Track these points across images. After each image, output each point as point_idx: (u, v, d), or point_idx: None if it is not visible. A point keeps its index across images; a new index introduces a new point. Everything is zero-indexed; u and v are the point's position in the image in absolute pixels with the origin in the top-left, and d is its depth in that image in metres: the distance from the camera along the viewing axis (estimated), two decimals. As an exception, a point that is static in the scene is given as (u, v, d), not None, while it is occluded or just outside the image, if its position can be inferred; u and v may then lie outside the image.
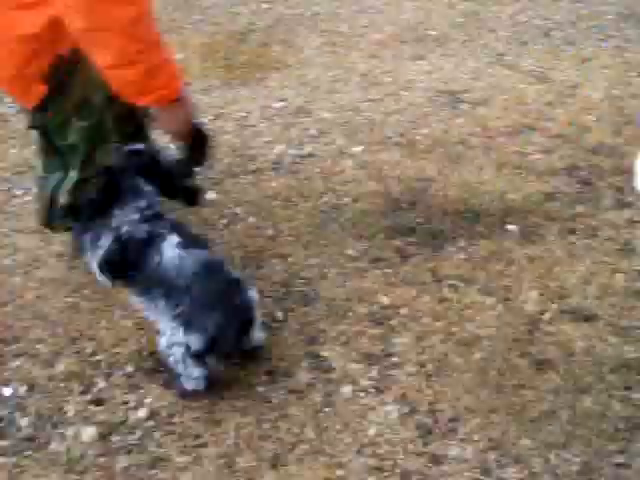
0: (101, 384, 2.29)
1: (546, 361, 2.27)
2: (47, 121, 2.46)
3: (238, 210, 3.00)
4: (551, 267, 2.64)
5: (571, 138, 3.37)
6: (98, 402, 2.23)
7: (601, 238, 2.77)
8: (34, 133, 2.57)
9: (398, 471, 1.98)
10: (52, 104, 2.42)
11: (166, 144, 2.76)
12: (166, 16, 4.84)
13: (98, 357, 2.38)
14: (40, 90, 2.37)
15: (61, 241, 2.86)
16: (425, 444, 2.05)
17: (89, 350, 2.40)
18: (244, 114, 3.73)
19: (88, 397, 2.25)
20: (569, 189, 3.04)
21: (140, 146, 2.42)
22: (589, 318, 2.43)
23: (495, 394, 2.17)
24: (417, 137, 3.45)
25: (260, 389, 2.23)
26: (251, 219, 2.96)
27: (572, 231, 2.82)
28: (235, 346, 2.23)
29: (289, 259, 2.74)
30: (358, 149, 3.38)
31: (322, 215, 2.96)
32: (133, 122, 3.00)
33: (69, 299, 2.62)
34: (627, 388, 2.18)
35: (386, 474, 1.97)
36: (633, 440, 2.03)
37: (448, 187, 3.06)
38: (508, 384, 2.20)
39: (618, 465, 1.97)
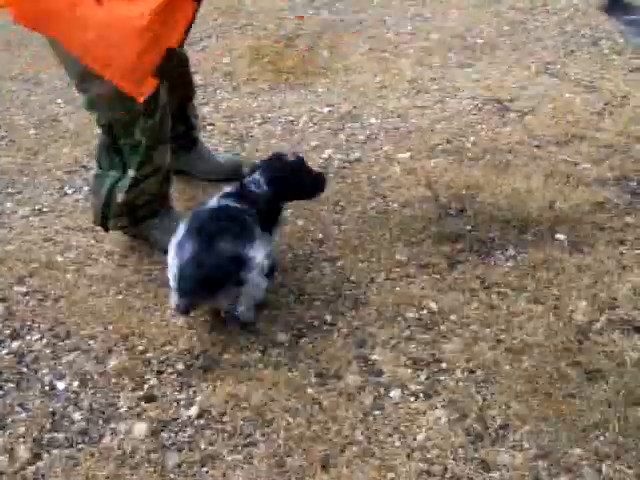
0: (152, 381, 2.32)
1: (596, 371, 2.26)
2: (115, 119, 2.50)
3: (287, 213, 3.01)
4: (601, 277, 2.62)
5: (621, 148, 3.34)
6: (149, 399, 2.26)
7: (651, 249, 2.75)
8: (93, 131, 2.60)
9: (448, 476, 1.98)
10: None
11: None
12: (212, 21, 4.90)
13: (149, 355, 2.41)
14: (152, 83, 2.37)
15: (111, 239, 2.91)
16: (475, 450, 2.05)
17: (140, 347, 2.44)
18: (292, 118, 3.75)
19: (139, 394, 2.29)
20: (619, 199, 3.01)
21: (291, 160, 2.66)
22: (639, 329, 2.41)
23: (545, 402, 2.16)
24: (465, 145, 3.44)
25: (310, 391, 2.24)
26: (300, 222, 2.98)
27: (622, 241, 2.79)
28: (196, 294, 2.37)
29: (338, 263, 2.75)
30: (406, 155, 3.38)
31: (370, 220, 2.97)
32: (183, 123, 3.05)
33: (120, 297, 2.66)
34: (679, 401, 2.16)
35: (436, 479, 1.98)
36: (687, 453, 2.01)
37: (496, 195, 3.05)
38: (558, 393, 2.19)
39: (672, 478, 1.95)
